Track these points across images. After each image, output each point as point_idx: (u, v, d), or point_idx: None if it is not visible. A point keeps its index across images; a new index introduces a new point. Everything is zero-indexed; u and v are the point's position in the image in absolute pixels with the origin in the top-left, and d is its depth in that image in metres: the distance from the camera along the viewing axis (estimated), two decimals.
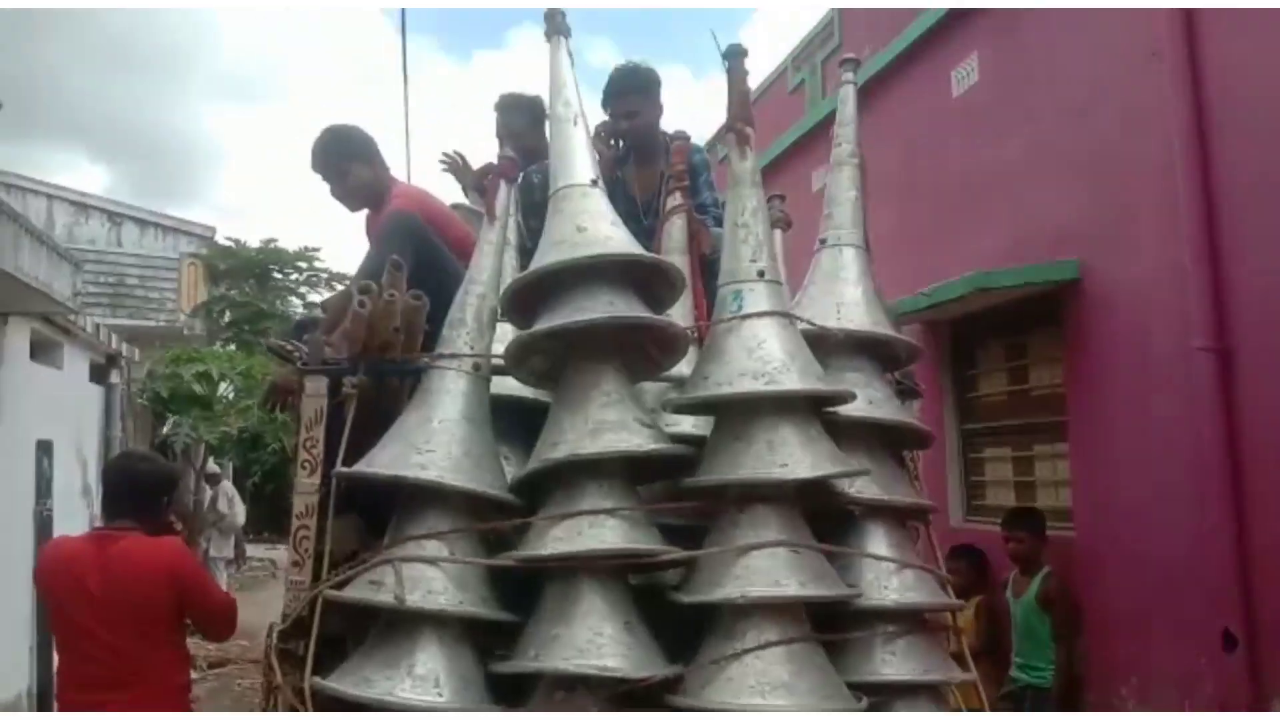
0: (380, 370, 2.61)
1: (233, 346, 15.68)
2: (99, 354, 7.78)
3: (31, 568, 6.24)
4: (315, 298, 17.42)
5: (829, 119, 7.02)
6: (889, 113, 6.44)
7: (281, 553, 19.64)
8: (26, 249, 4.77)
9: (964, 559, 5.35)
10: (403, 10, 8.45)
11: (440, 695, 2.15)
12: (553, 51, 2.74)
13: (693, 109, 59.59)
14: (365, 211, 3.52)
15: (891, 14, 6.45)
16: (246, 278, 16.39)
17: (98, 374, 7.90)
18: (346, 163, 3.34)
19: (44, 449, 6.32)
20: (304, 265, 16.59)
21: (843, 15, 7.42)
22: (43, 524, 6.28)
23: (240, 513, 13.94)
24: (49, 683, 6.30)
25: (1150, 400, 4.22)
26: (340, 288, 16.39)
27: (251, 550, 20.16)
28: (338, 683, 2.21)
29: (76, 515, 7.31)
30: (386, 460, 2.38)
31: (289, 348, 2.79)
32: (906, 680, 2.40)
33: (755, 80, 8.52)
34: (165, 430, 10.65)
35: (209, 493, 13.02)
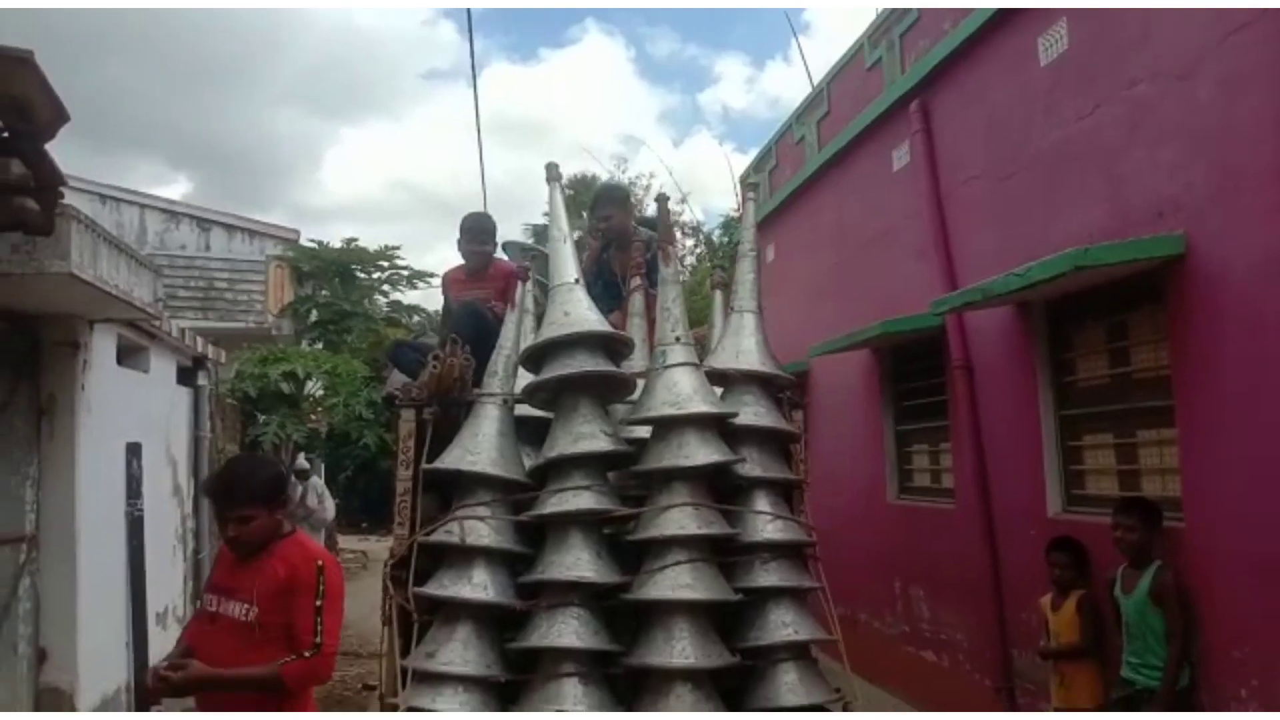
0: (446, 404, 4.19)
1: (319, 345, 16.01)
2: (185, 357, 7.94)
3: (127, 566, 6.44)
4: (397, 296, 17.70)
5: (908, 95, 6.85)
6: (973, 85, 6.15)
7: (373, 544, 20.02)
8: (105, 257, 4.84)
9: (1064, 551, 5.09)
10: (468, 10, 8.40)
11: (487, 594, 3.74)
12: (551, 193, 4.37)
13: (757, 91, 59.15)
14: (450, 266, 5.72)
15: None
16: (330, 278, 16.69)
17: (185, 376, 8.07)
18: (489, 245, 5.43)
19: (133, 451, 6.47)
20: (385, 264, 16.82)
21: None
22: (134, 524, 6.43)
23: (330, 508, 14.22)
24: (144, 680, 6.46)
25: (1264, 380, 3.90)
26: (419, 285, 16.46)
27: (344, 542, 20.65)
28: (428, 589, 3.78)
29: (168, 515, 7.49)
30: (451, 459, 3.97)
31: (396, 395, 4.52)
32: (776, 585, 3.93)
33: (834, 58, 8.33)
34: (254, 430, 10.87)
35: (299, 488, 13.30)
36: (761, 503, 4.12)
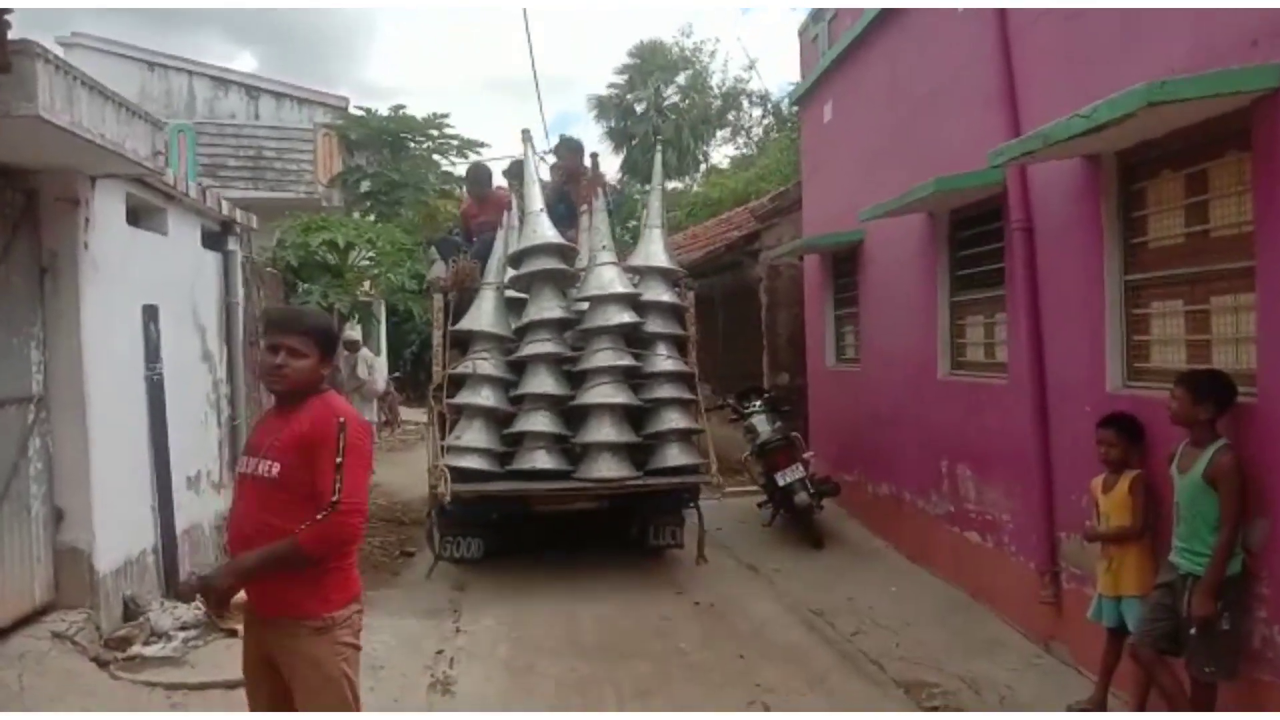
0: (462, 290, 7.66)
1: (371, 217, 15.81)
2: (212, 220, 7.72)
3: (148, 430, 6.39)
4: (447, 166, 17.32)
5: (886, 11, 7.71)
6: None
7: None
8: (84, 102, 4.54)
9: (1114, 428, 4.67)
10: None
11: (490, 401, 7.19)
12: (525, 150, 7.92)
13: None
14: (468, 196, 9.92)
15: None
16: (380, 148, 16.36)
17: (214, 241, 7.87)
18: (486, 187, 9.36)
19: (149, 313, 6.32)
20: (434, 132, 16.40)
21: None
22: (153, 388, 6.34)
23: (381, 379, 14.27)
24: (173, 542, 6.49)
25: None
26: (469, 154, 16.11)
27: (406, 414, 20.93)
28: (455, 400, 7.34)
29: (198, 380, 7.42)
30: (466, 323, 7.34)
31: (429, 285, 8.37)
32: (667, 396, 7.31)
33: (793, 29, 7.53)
34: (296, 299, 10.75)
35: (349, 359, 13.31)
36: (660, 348, 7.50)
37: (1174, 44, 4.28)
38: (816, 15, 9.84)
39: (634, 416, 7.36)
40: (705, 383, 10.59)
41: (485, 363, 7.30)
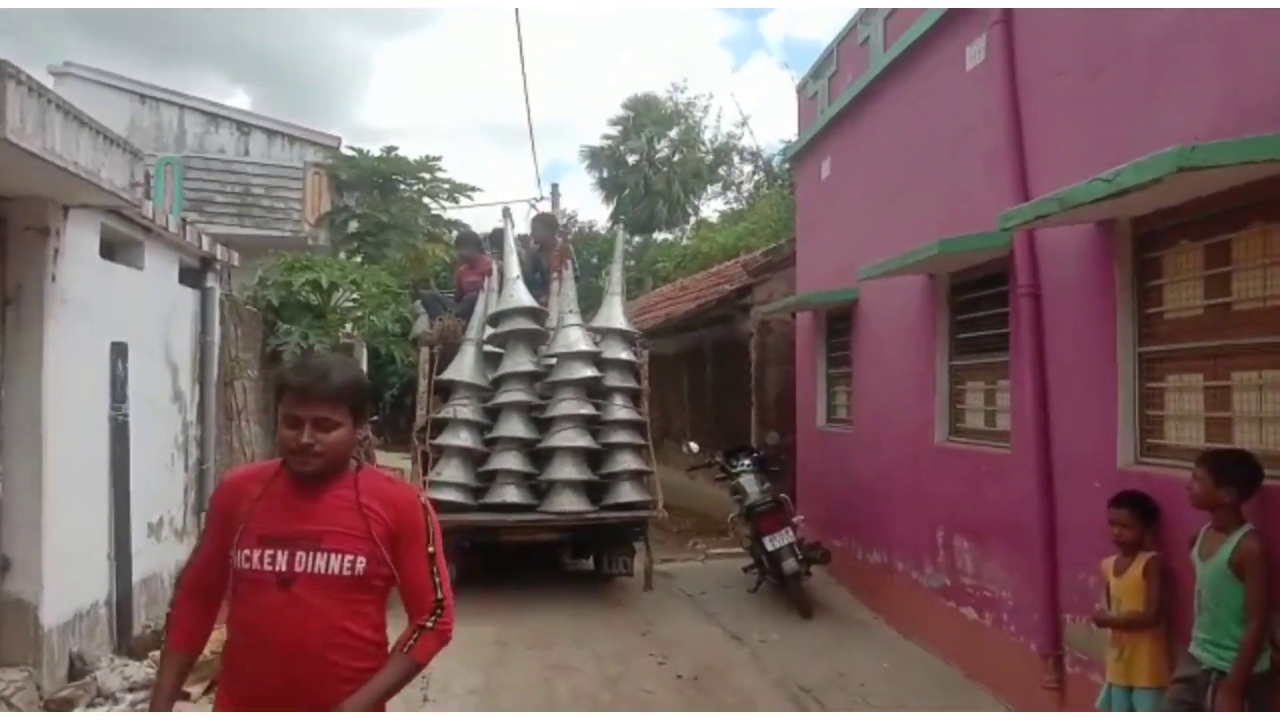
0: (446, 344, 9.05)
1: (358, 258, 15.56)
2: (191, 256, 7.47)
3: (109, 473, 6.06)
4: (437, 210, 17.13)
5: (890, 67, 7.49)
6: None
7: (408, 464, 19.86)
8: (58, 127, 4.31)
9: (1128, 507, 4.43)
10: None
11: (467, 443, 8.49)
12: (505, 225, 9.82)
13: (820, 16, 57.39)
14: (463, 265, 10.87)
15: None
16: (370, 189, 16.17)
17: (192, 277, 7.61)
18: (474, 250, 10.91)
19: (118, 351, 6.03)
20: (426, 175, 16.23)
21: None
22: (118, 429, 6.03)
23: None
24: (128, 593, 6.13)
25: None
26: (460, 199, 15.92)
27: (383, 459, 20.52)
28: (437, 441, 8.65)
29: (166, 422, 7.10)
30: (448, 373, 8.74)
31: (418, 338, 9.62)
32: (622, 441, 8.65)
33: (786, 86, 7.51)
34: (275, 339, 10.45)
35: None
36: (616, 399, 8.82)
37: (1199, 103, 4.14)
38: (816, 73, 9.77)
39: (592, 458, 8.65)
40: (695, 439, 10.36)
41: (465, 408, 8.74)
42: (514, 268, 9.15)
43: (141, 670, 5.59)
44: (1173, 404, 4.59)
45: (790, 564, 7.92)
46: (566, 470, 8.38)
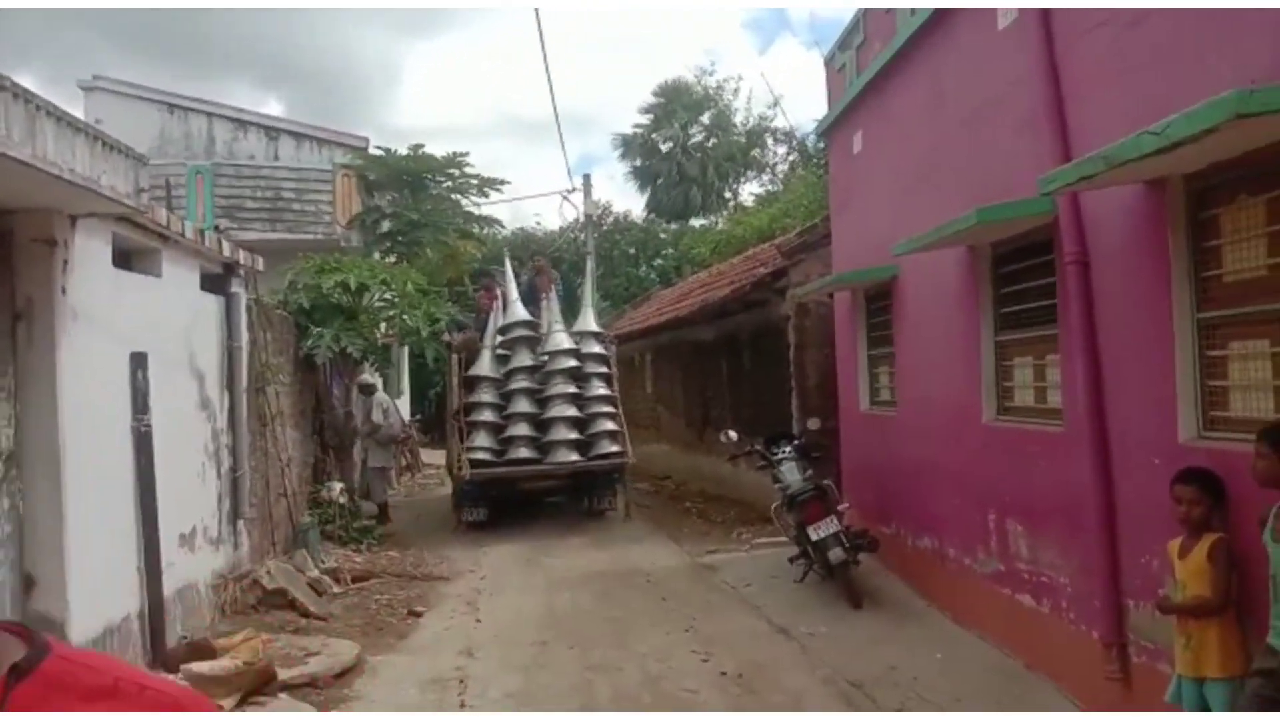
0: (468, 350, 12.70)
1: (391, 258, 15.51)
2: (213, 262, 7.38)
3: (134, 485, 5.98)
4: (468, 206, 17.04)
5: (918, 33, 7.21)
6: None
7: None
8: (50, 134, 4.19)
9: (1192, 484, 4.11)
10: None
11: (491, 418, 12.09)
12: (506, 265, 13.79)
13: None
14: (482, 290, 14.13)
15: None
16: (400, 188, 16.11)
17: (216, 284, 7.54)
18: (489, 281, 14.22)
19: (138, 361, 5.94)
20: (454, 172, 16.13)
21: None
22: (141, 440, 5.94)
23: (396, 423, 13.85)
24: (160, 605, 6.05)
25: None
26: (489, 193, 15.80)
27: (427, 456, 20.51)
28: (467, 418, 12.19)
29: (194, 431, 7.03)
30: (473, 371, 12.41)
31: (449, 345, 12.74)
32: (600, 411, 12.18)
33: (817, 65, 7.16)
34: (306, 342, 10.39)
35: (365, 403, 12.93)
36: (594, 381, 12.25)
37: (1254, 46, 3.80)
38: (844, 43, 9.43)
39: (579, 424, 12.07)
40: (734, 426, 10.15)
41: (486, 394, 12.27)
42: (514, 293, 12.93)
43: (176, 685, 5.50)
44: (1237, 373, 4.25)
45: (837, 553, 7.65)
46: (561, 433, 11.88)
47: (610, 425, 11.96)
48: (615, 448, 11.91)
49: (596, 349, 12.55)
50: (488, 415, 11.96)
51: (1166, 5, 4.41)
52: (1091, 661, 5.14)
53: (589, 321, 12.95)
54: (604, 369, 12.49)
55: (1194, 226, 4.44)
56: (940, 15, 6.90)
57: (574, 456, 11.70)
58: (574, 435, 11.83)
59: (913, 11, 7.44)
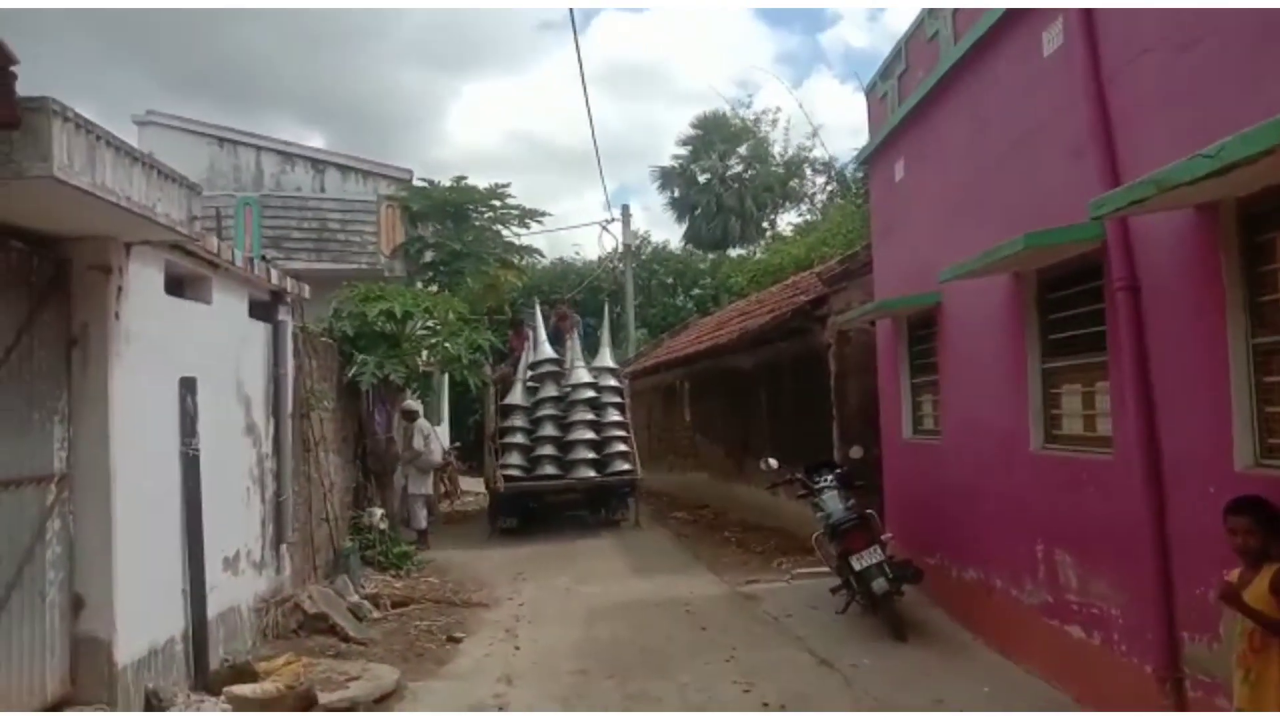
0: (504, 382, 15.10)
1: (433, 287, 15.69)
2: (260, 290, 7.51)
3: (182, 508, 6.05)
4: (509, 236, 17.21)
5: (962, 61, 7.02)
6: None
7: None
8: (108, 163, 4.29)
9: (1247, 514, 3.99)
10: None
11: (522, 440, 14.26)
12: (536, 310, 16.08)
13: (880, 28, 57.35)
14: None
15: None
16: (442, 219, 16.32)
17: (263, 311, 7.66)
18: (519, 320, 16.99)
19: (187, 386, 6.04)
20: (496, 203, 16.32)
21: None
22: (189, 464, 6.03)
23: (437, 449, 13.94)
24: (204, 627, 6.11)
25: None
26: (530, 224, 15.99)
27: (466, 484, 20.57)
28: (502, 441, 14.36)
29: (238, 455, 7.12)
30: (508, 400, 14.73)
31: (488, 378, 14.63)
32: (614, 435, 14.51)
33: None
34: (350, 369, 10.51)
35: (406, 429, 13.02)
36: (609, 409, 14.66)
37: None
38: (885, 72, 9.44)
39: (596, 445, 14.15)
40: (775, 454, 10.05)
41: (518, 420, 14.35)
42: (542, 333, 15.20)
43: (217, 706, 5.54)
44: None
45: (880, 583, 7.54)
46: (581, 452, 14.05)
47: (623, 446, 14.22)
48: (627, 466, 14.13)
49: (612, 382, 14.97)
50: (519, 438, 14.08)
51: (1217, 29, 4.37)
52: (1145, 695, 5.00)
53: (606, 359, 15.32)
54: (618, 399, 14.85)
55: (1248, 251, 4.36)
56: (984, 43, 6.88)
57: (592, 473, 13.90)
58: (592, 455, 13.99)
59: (955, 40, 7.43)
